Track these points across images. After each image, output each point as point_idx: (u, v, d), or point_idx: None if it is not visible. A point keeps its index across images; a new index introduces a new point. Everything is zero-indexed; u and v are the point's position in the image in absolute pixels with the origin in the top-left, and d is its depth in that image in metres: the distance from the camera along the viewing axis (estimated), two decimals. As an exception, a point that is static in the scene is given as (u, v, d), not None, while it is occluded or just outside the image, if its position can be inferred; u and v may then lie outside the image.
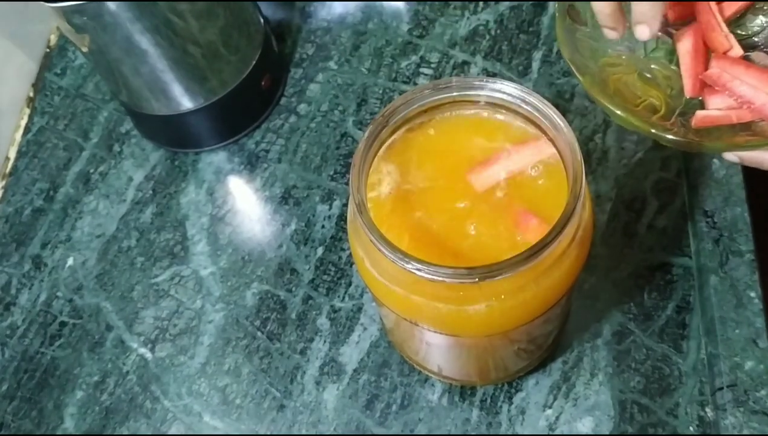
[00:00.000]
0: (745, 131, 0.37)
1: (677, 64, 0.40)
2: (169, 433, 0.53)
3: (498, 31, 0.67)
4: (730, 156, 0.38)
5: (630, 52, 0.41)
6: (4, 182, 0.66)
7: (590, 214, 0.40)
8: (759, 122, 0.37)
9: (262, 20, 0.63)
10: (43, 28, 0.74)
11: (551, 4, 0.67)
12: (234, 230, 0.61)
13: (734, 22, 0.40)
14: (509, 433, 0.50)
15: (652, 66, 0.41)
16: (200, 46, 0.56)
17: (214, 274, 0.59)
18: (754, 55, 0.39)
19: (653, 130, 0.37)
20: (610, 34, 0.39)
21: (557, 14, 0.41)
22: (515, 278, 0.36)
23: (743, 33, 0.39)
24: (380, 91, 0.65)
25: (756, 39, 0.40)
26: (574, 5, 0.41)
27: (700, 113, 0.38)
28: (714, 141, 0.37)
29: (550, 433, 0.50)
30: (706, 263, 0.53)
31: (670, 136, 0.37)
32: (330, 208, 0.60)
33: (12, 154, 0.68)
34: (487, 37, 0.67)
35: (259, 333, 0.56)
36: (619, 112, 0.38)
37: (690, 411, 0.50)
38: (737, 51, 0.38)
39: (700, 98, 0.39)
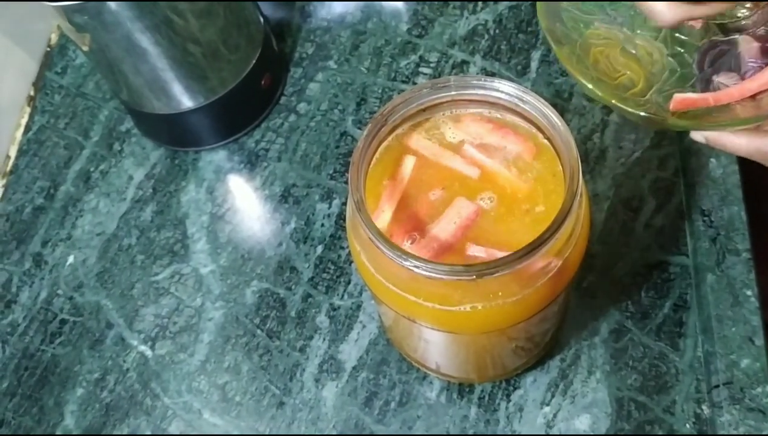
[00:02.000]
0: (720, 113, 0.38)
1: (663, 41, 0.41)
2: (169, 430, 0.53)
3: (497, 31, 0.67)
4: (697, 136, 0.39)
5: (618, 26, 0.42)
6: (4, 181, 0.66)
7: (587, 212, 0.40)
8: (734, 105, 0.38)
9: (262, 19, 0.63)
10: (43, 27, 0.74)
11: (550, 3, 0.67)
12: (234, 228, 0.61)
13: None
14: (507, 430, 0.51)
15: (637, 41, 0.41)
16: (200, 45, 0.56)
17: (214, 272, 0.59)
18: (741, 38, 0.40)
19: (615, 102, 0.38)
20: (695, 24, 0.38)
21: None
22: (512, 275, 0.36)
23: (731, 18, 0.40)
24: (379, 91, 0.66)
25: (743, 23, 0.40)
26: None
27: (678, 96, 0.39)
28: (681, 119, 0.38)
29: (548, 430, 0.50)
30: (703, 261, 0.53)
31: (633, 111, 0.38)
32: (329, 207, 0.61)
33: (13, 153, 0.68)
34: (486, 36, 0.67)
35: (258, 331, 0.56)
36: (589, 85, 0.38)
37: (686, 409, 0.50)
38: None
39: (677, 77, 0.40)
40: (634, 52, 0.41)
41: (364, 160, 0.39)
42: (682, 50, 0.41)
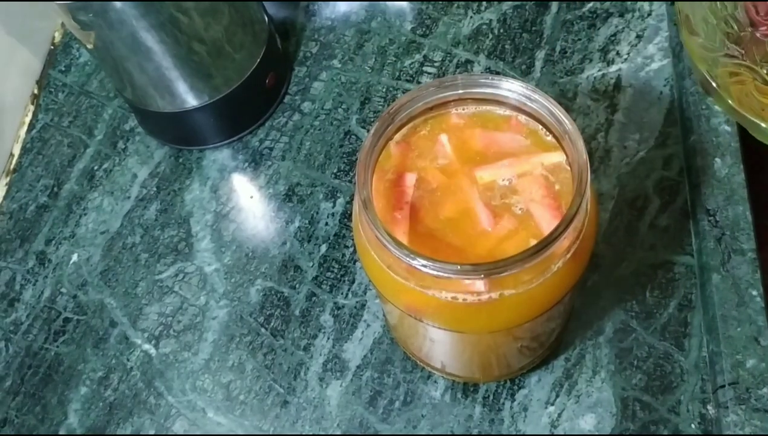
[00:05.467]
0: None
1: None
2: (173, 429, 0.53)
3: (501, 30, 0.67)
4: None
5: (741, 59, 0.39)
6: (8, 179, 0.66)
7: (594, 212, 0.40)
8: None
9: (266, 18, 0.63)
10: (47, 25, 0.74)
11: (554, 3, 0.67)
12: (238, 227, 0.61)
13: None
14: (511, 430, 0.51)
15: (765, 72, 0.39)
16: (205, 43, 0.56)
17: (218, 270, 0.59)
18: None
19: None
20: None
21: (680, 26, 0.39)
22: (520, 274, 0.36)
23: None
24: (384, 90, 0.66)
25: None
26: (689, 16, 0.39)
27: None
28: None
29: (553, 430, 0.50)
30: (708, 261, 0.53)
31: None
32: (334, 206, 0.61)
33: (16, 151, 0.68)
34: (491, 36, 0.67)
35: (262, 330, 0.56)
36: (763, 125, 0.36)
37: (692, 409, 0.50)
38: None
39: None
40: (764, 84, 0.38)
41: (371, 158, 0.39)
42: None
